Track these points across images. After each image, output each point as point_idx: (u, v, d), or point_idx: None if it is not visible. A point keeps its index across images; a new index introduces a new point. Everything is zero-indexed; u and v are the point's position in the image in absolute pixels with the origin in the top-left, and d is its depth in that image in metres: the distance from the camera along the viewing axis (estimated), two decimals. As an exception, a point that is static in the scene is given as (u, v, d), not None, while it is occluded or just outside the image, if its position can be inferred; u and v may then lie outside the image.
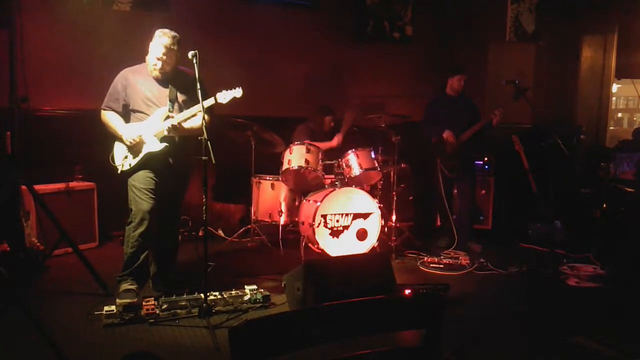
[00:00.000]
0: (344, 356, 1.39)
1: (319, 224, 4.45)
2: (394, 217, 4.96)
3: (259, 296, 3.53)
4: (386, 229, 5.00)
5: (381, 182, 5.11)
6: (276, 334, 1.27)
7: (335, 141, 5.30)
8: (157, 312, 3.26)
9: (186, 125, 3.49)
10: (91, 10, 5.04)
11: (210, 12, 5.68)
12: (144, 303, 3.29)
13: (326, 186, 4.80)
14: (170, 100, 3.52)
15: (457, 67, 5.18)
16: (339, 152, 4.99)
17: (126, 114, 3.59)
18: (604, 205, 5.22)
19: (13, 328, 3.02)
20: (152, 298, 3.36)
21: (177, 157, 3.60)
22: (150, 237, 3.56)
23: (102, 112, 3.58)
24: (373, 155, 4.82)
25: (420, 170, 5.68)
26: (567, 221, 5.40)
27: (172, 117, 3.47)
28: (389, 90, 6.45)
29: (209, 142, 3.15)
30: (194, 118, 3.47)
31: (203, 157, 3.15)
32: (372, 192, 4.93)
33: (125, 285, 3.50)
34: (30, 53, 4.62)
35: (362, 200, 4.62)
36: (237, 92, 3.45)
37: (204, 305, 3.24)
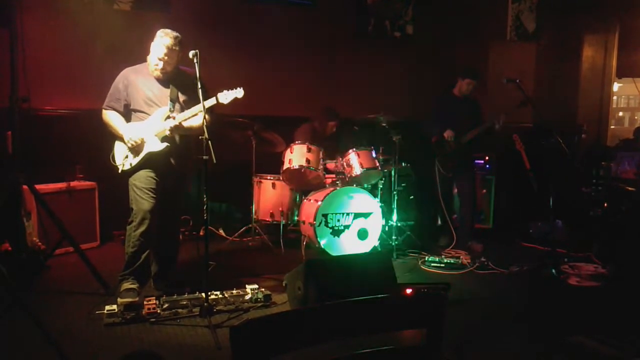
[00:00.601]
0: (345, 355, 1.39)
1: (320, 223, 4.45)
2: (394, 217, 4.96)
3: (260, 295, 3.53)
4: (387, 228, 5.00)
5: (382, 181, 5.11)
6: (277, 333, 1.28)
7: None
8: (159, 311, 3.26)
9: (186, 124, 3.49)
10: (92, 10, 5.04)
11: (211, 12, 5.68)
12: (145, 302, 3.29)
13: (327, 185, 4.80)
14: (171, 100, 3.52)
15: (471, 71, 5.15)
16: (340, 152, 4.99)
17: (127, 113, 3.58)
18: (605, 204, 5.22)
19: (15, 327, 3.03)
20: (154, 297, 3.37)
21: (178, 157, 3.61)
22: (152, 236, 3.56)
23: (104, 111, 3.58)
24: (374, 155, 4.82)
25: (421, 169, 5.67)
26: (568, 220, 5.40)
27: (173, 117, 3.47)
28: (390, 89, 6.45)
29: (209, 142, 3.16)
30: (195, 117, 3.46)
31: (204, 157, 3.15)
32: (373, 191, 4.92)
33: (126, 285, 3.50)
34: (31, 53, 4.63)
35: (363, 200, 4.62)
36: (239, 93, 3.45)
37: (205, 304, 3.24)
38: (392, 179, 4.99)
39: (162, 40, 3.42)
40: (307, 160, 4.64)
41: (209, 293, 3.34)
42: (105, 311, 3.22)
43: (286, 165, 4.71)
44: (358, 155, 4.73)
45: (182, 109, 3.53)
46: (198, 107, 3.37)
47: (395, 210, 4.96)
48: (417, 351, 1.48)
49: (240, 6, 5.87)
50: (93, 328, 3.13)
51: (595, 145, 6.79)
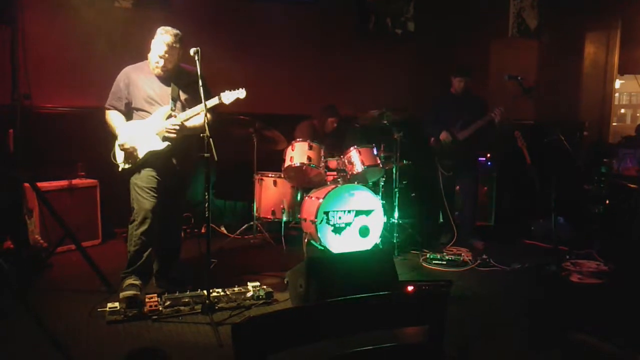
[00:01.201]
0: (347, 353, 1.39)
1: (322, 220, 4.45)
2: (396, 214, 4.96)
3: (261, 293, 3.54)
4: (388, 226, 5.00)
5: (383, 178, 5.11)
6: (279, 331, 1.28)
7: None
8: (160, 308, 3.27)
9: (188, 124, 3.48)
10: (93, 7, 5.03)
11: (212, 9, 5.68)
12: (147, 300, 3.30)
13: (328, 183, 4.80)
14: (172, 99, 3.52)
15: (460, 68, 5.15)
16: (341, 149, 4.99)
17: (129, 112, 3.58)
18: (607, 202, 5.21)
19: (17, 325, 3.04)
20: (155, 295, 3.37)
21: (180, 156, 3.60)
22: (153, 235, 3.57)
23: (106, 111, 3.58)
24: (375, 152, 4.82)
25: (422, 166, 5.67)
26: (570, 217, 5.39)
27: (175, 116, 3.47)
28: (391, 87, 6.44)
29: (211, 140, 3.16)
30: (196, 117, 3.46)
31: (205, 154, 3.15)
32: (374, 188, 4.92)
33: (129, 281, 3.51)
34: (32, 50, 4.63)
35: (364, 197, 4.62)
36: (241, 93, 3.45)
37: (207, 302, 3.25)
38: (394, 176, 4.99)
39: (162, 38, 3.41)
40: (309, 158, 4.63)
41: (211, 290, 3.35)
42: (107, 308, 3.23)
43: (287, 163, 4.71)
44: (359, 152, 4.73)
45: (184, 108, 3.53)
46: (200, 107, 3.36)
47: (396, 208, 4.96)
48: (418, 348, 1.48)
49: (241, 3, 5.86)
50: (95, 325, 3.14)
51: (597, 142, 6.78)
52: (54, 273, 4.11)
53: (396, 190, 4.97)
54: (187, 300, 3.36)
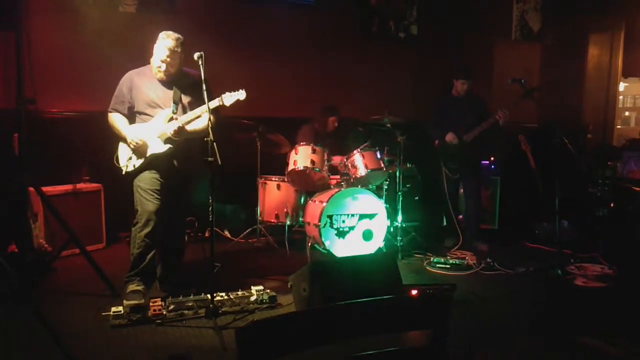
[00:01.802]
0: (351, 357, 1.39)
1: (325, 224, 4.45)
2: (399, 217, 4.95)
3: (265, 297, 3.54)
4: (392, 229, 5.00)
5: (387, 182, 5.11)
6: (282, 335, 1.28)
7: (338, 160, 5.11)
8: (164, 312, 3.27)
9: (190, 128, 3.49)
10: (97, 12, 5.06)
11: (215, 14, 5.70)
12: (151, 304, 3.30)
13: (332, 186, 4.80)
14: (174, 102, 3.53)
15: (462, 70, 5.14)
16: (344, 152, 4.99)
17: (131, 115, 3.60)
18: (612, 205, 5.19)
19: (22, 328, 3.04)
20: (159, 299, 3.37)
21: (182, 159, 3.61)
22: (157, 237, 3.57)
23: (109, 114, 3.60)
24: (379, 156, 4.82)
25: (425, 170, 5.67)
26: (574, 221, 5.37)
27: (176, 119, 3.48)
28: (395, 90, 6.44)
29: (214, 143, 3.16)
30: (197, 120, 3.48)
31: (209, 158, 3.16)
32: (377, 192, 4.92)
33: (132, 287, 3.51)
34: (37, 55, 4.67)
35: (367, 201, 4.62)
36: (241, 95, 3.47)
37: (211, 305, 3.25)
38: (397, 179, 4.98)
39: (164, 42, 3.43)
40: (312, 162, 4.64)
41: (215, 294, 3.35)
42: (111, 313, 3.23)
43: (291, 167, 4.72)
44: (363, 156, 4.73)
45: (185, 111, 3.54)
46: (201, 109, 3.39)
47: (400, 211, 4.95)
48: (422, 352, 1.47)
49: (243, 8, 5.88)
50: (99, 329, 3.14)
51: (601, 145, 6.76)
52: (58, 277, 4.12)
53: (399, 193, 4.96)
54: (191, 304, 3.36)
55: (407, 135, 4.92)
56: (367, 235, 4.60)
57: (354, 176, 4.75)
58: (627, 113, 7.16)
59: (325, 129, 5.37)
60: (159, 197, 3.53)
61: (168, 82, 3.55)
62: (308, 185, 4.96)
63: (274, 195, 5.04)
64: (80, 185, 4.85)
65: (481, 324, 3.39)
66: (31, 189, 4.07)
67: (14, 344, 2.95)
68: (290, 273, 3.63)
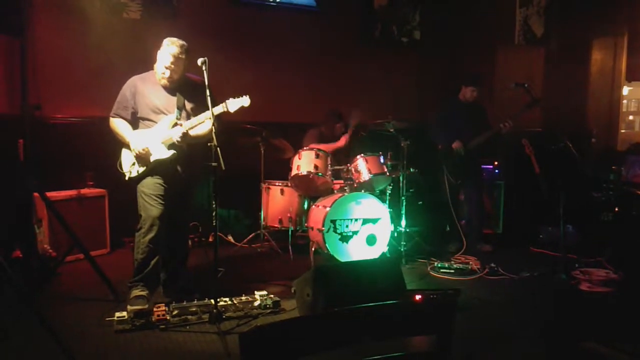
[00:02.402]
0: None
1: (329, 229, 4.45)
2: (403, 222, 4.94)
3: (269, 302, 3.53)
4: (395, 234, 4.99)
5: (390, 186, 5.11)
6: (286, 340, 1.28)
7: (343, 141, 5.29)
8: (168, 318, 3.27)
9: (193, 133, 3.51)
10: (102, 18, 5.10)
11: (218, 19, 5.73)
12: (154, 309, 3.30)
13: (335, 191, 4.80)
14: (177, 108, 3.54)
15: (473, 78, 5.16)
16: (348, 157, 5.00)
17: (134, 121, 3.61)
18: (616, 209, 5.17)
19: (26, 333, 3.05)
20: (163, 304, 3.38)
21: (185, 164, 3.62)
22: (160, 243, 3.58)
23: (111, 119, 3.61)
24: (382, 161, 4.82)
25: (429, 174, 5.66)
26: (578, 225, 5.35)
27: (181, 124, 3.50)
28: (398, 94, 6.45)
29: (218, 149, 3.17)
30: (201, 125, 3.49)
31: (213, 164, 3.17)
32: (381, 197, 4.92)
33: (136, 292, 3.52)
34: (42, 62, 4.70)
35: (371, 205, 4.62)
36: (245, 101, 3.48)
37: (215, 311, 3.24)
38: (401, 184, 4.98)
39: (169, 49, 3.44)
40: (315, 167, 4.64)
41: (218, 299, 3.35)
42: (115, 318, 3.23)
43: (294, 172, 4.72)
44: (366, 161, 4.73)
45: (189, 117, 3.55)
46: (205, 115, 3.40)
47: (403, 216, 4.94)
48: (426, 358, 1.47)
49: (247, 13, 5.91)
50: (103, 334, 3.14)
51: (605, 149, 6.74)
52: (62, 282, 4.13)
53: (403, 198, 4.96)
54: (194, 309, 3.36)
55: (410, 139, 4.92)
56: (371, 240, 4.60)
57: (357, 181, 4.75)
58: (631, 117, 7.14)
59: (332, 134, 5.38)
60: (162, 202, 3.54)
61: (171, 88, 3.56)
62: (311, 190, 4.96)
63: (277, 200, 5.04)
64: (84, 191, 4.87)
65: (485, 329, 3.37)
66: (36, 194, 4.09)
67: (17, 348, 2.95)
68: (293, 278, 3.63)
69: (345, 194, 4.61)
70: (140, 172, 3.54)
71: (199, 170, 3.74)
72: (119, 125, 3.58)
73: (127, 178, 3.59)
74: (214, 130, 3.22)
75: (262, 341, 1.24)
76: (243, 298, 3.57)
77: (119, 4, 5.23)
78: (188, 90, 3.60)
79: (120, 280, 3.82)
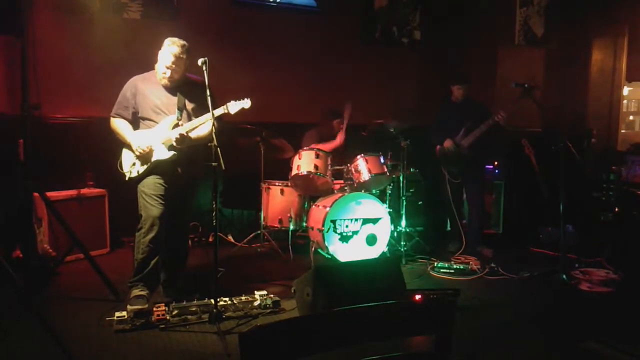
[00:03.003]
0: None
1: (329, 229, 4.45)
2: (403, 222, 4.95)
3: (268, 302, 3.54)
4: (395, 234, 4.99)
5: (390, 186, 5.11)
6: (286, 340, 1.28)
7: (339, 139, 5.29)
8: (168, 317, 3.28)
9: (193, 135, 3.51)
10: (102, 18, 5.10)
11: (219, 20, 5.73)
12: (154, 309, 3.30)
13: (335, 191, 4.80)
14: (178, 109, 3.55)
15: (458, 76, 5.21)
16: (347, 157, 5.00)
17: (135, 121, 3.61)
18: (616, 209, 5.17)
19: (26, 333, 3.05)
20: (163, 304, 3.38)
21: (186, 164, 3.62)
22: (161, 242, 3.58)
23: (112, 119, 3.61)
24: (382, 161, 4.82)
25: (429, 174, 5.66)
26: (578, 225, 5.35)
27: (181, 125, 3.50)
28: (398, 95, 6.45)
29: (218, 149, 3.18)
30: (201, 127, 3.49)
31: (213, 163, 3.17)
32: (381, 197, 4.92)
33: (136, 291, 3.52)
34: (42, 61, 4.68)
35: (371, 206, 4.62)
36: (246, 103, 3.49)
37: (214, 310, 3.25)
38: (401, 184, 4.98)
39: (170, 49, 3.44)
40: (316, 167, 4.64)
41: (218, 299, 3.35)
42: (115, 318, 3.24)
43: (294, 172, 4.72)
44: (366, 161, 4.73)
45: (190, 117, 3.56)
46: (206, 117, 3.40)
47: (403, 216, 4.95)
48: (426, 357, 1.47)
49: (247, 14, 5.91)
50: (103, 334, 3.14)
51: (605, 149, 6.73)
52: (62, 282, 4.13)
53: (403, 198, 4.96)
54: (194, 309, 3.36)
55: (410, 140, 4.92)
56: (371, 240, 4.60)
57: (357, 181, 4.75)
58: (631, 117, 7.13)
59: (332, 132, 5.38)
60: (163, 202, 3.54)
61: (172, 88, 3.57)
62: (311, 190, 4.96)
63: (277, 200, 5.04)
64: (84, 191, 4.87)
65: (485, 329, 3.37)
66: (36, 194, 4.09)
67: (17, 348, 2.95)
68: (293, 278, 3.64)
69: (346, 194, 4.61)
70: (140, 172, 3.54)
71: (200, 171, 3.75)
72: (119, 125, 3.58)
73: (127, 178, 3.59)
74: (214, 130, 3.22)
75: (261, 341, 1.24)
76: (243, 298, 3.58)
77: (119, 4, 5.23)
78: (189, 90, 3.60)
79: (120, 280, 3.82)
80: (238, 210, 5.87)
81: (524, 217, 5.85)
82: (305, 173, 4.66)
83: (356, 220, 4.57)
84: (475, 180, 5.27)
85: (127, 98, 3.57)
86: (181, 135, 3.44)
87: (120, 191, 4.12)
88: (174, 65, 3.46)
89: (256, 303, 3.54)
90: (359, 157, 4.78)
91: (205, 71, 3.27)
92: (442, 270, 4.53)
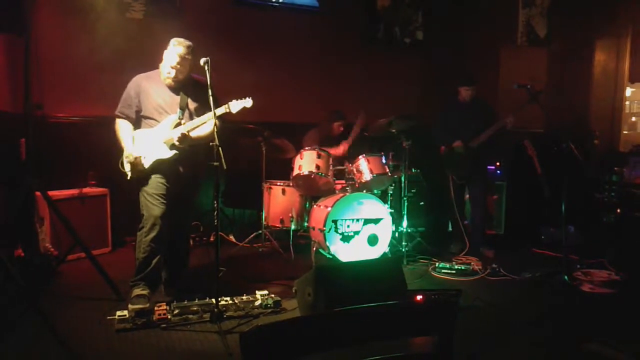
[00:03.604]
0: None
1: (330, 229, 4.45)
2: (404, 222, 4.94)
3: (270, 301, 3.53)
4: (397, 234, 4.98)
5: (392, 187, 5.10)
6: (287, 340, 1.28)
7: (342, 149, 5.26)
8: (169, 317, 3.28)
9: (194, 134, 3.51)
10: (105, 17, 5.10)
11: (221, 19, 5.74)
12: (156, 308, 3.31)
13: (337, 191, 4.80)
14: (180, 108, 3.55)
15: (466, 77, 5.18)
16: (349, 157, 5.00)
17: (138, 119, 3.62)
18: (618, 210, 5.17)
19: (28, 331, 3.06)
20: (164, 303, 3.38)
21: (187, 164, 3.63)
22: (162, 242, 3.58)
23: (116, 119, 3.62)
24: (384, 161, 4.82)
25: (431, 175, 5.66)
26: (580, 226, 5.34)
27: (183, 124, 3.50)
28: (400, 95, 6.45)
29: (220, 148, 3.18)
30: (202, 127, 3.50)
31: (215, 163, 3.17)
32: (383, 197, 4.92)
33: (137, 291, 3.52)
34: (44, 60, 4.70)
35: (373, 206, 4.61)
36: (247, 102, 3.49)
37: (216, 310, 3.25)
38: (402, 184, 4.98)
39: (175, 49, 3.45)
40: (317, 167, 4.64)
41: (220, 299, 3.35)
42: (116, 317, 3.24)
43: (296, 172, 4.72)
44: (368, 161, 4.73)
45: (192, 117, 3.56)
46: (207, 116, 3.40)
47: (405, 216, 4.94)
48: (427, 358, 1.47)
49: (250, 14, 5.92)
50: (104, 333, 3.14)
51: (608, 150, 6.72)
52: (64, 281, 4.14)
53: (405, 198, 4.96)
54: (195, 308, 3.36)
55: (412, 140, 4.91)
56: (372, 240, 4.59)
57: (359, 181, 4.75)
58: (633, 118, 7.12)
59: (331, 133, 5.38)
60: (164, 201, 3.54)
61: (176, 87, 3.57)
62: (313, 190, 4.96)
63: (279, 200, 5.04)
64: (86, 190, 4.88)
65: (487, 330, 3.37)
66: (38, 193, 4.10)
67: (18, 347, 2.96)
68: (294, 278, 3.64)
69: (347, 194, 4.61)
70: (141, 172, 3.54)
71: (201, 170, 3.75)
72: (121, 127, 3.59)
73: (128, 177, 3.59)
74: (215, 129, 3.22)
75: (262, 341, 1.24)
76: (244, 297, 3.58)
77: (122, 3, 5.24)
78: (192, 90, 3.61)
79: (121, 279, 3.82)
80: (239, 210, 5.88)
81: (525, 217, 5.84)
82: (306, 173, 4.66)
83: (358, 220, 4.57)
84: (479, 182, 5.26)
85: (131, 96, 3.58)
86: (182, 134, 3.44)
87: (122, 190, 4.13)
88: (179, 66, 3.47)
89: (257, 303, 3.54)
90: (360, 157, 4.78)
91: (207, 71, 3.27)
92: (443, 270, 4.53)
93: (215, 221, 3.29)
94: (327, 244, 4.43)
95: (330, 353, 1.29)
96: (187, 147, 3.55)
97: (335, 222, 4.48)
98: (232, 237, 5.48)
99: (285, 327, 1.30)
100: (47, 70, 4.82)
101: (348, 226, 4.54)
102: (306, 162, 4.69)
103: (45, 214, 4.43)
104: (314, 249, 4.64)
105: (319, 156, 4.69)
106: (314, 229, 4.63)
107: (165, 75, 3.51)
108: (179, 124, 3.52)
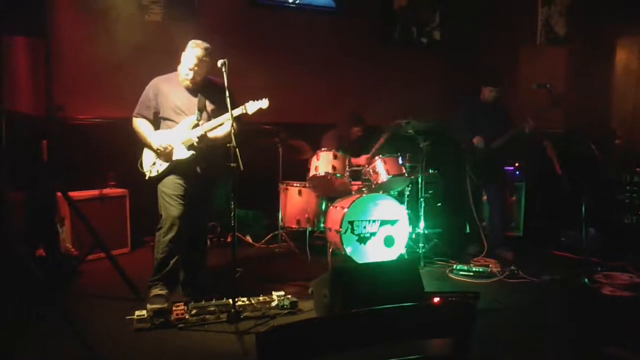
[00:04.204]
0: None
1: (346, 230, 4.44)
2: (421, 224, 4.91)
3: (286, 302, 3.54)
4: (414, 236, 4.96)
5: (409, 188, 5.07)
6: (303, 340, 1.28)
7: (363, 160, 5.12)
8: (187, 317, 3.30)
9: (211, 135, 3.54)
10: (124, 20, 5.17)
11: (239, 21, 5.77)
12: (173, 308, 3.33)
13: (353, 192, 4.79)
14: (198, 109, 3.58)
15: (491, 78, 5.08)
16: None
17: (156, 121, 3.66)
18: (640, 212, 5.07)
19: (49, 330, 3.11)
20: (182, 303, 3.41)
21: (204, 165, 3.65)
22: (180, 242, 3.61)
23: (134, 119, 3.67)
24: (400, 162, 4.80)
25: (448, 176, 5.61)
26: (601, 228, 5.25)
27: (200, 126, 3.53)
28: (417, 96, 6.41)
29: (237, 149, 3.20)
30: (220, 127, 3.53)
31: (232, 164, 3.19)
32: (399, 198, 4.89)
33: (155, 291, 3.55)
34: (65, 63, 4.78)
35: (389, 207, 4.60)
36: (263, 103, 3.51)
37: (233, 310, 3.27)
38: (419, 185, 4.95)
39: (193, 51, 3.48)
40: (333, 168, 4.64)
41: (236, 299, 3.37)
42: (135, 316, 3.27)
43: (312, 172, 4.73)
44: (384, 162, 4.71)
45: (210, 118, 3.59)
46: (225, 117, 3.44)
47: (422, 218, 4.91)
48: (444, 361, 1.46)
49: (266, 15, 5.94)
50: (123, 333, 3.18)
51: (629, 150, 6.60)
52: (84, 281, 4.19)
53: (422, 199, 4.92)
54: (213, 308, 3.38)
55: (430, 141, 4.88)
56: (389, 242, 4.58)
57: (375, 182, 4.73)
58: (656, 118, 6.98)
59: (349, 137, 5.36)
60: (182, 202, 3.57)
61: (194, 89, 3.60)
62: (329, 191, 4.96)
63: (295, 200, 5.05)
64: (106, 191, 4.94)
65: (505, 333, 3.33)
66: (59, 194, 4.16)
67: (41, 346, 3.01)
68: (311, 279, 3.64)
69: (363, 195, 4.60)
70: (160, 171, 3.59)
71: (219, 171, 3.77)
72: (140, 125, 3.63)
73: (147, 177, 3.63)
74: (233, 131, 3.24)
75: (279, 341, 1.24)
76: (261, 298, 3.59)
77: (141, 6, 5.31)
78: (209, 92, 3.63)
79: (140, 279, 3.86)
80: (256, 211, 5.90)
81: (545, 219, 5.76)
82: (323, 174, 4.66)
83: (374, 221, 4.56)
84: (497, 183, 5.20)
85: (150, 98, 3.62)
86: (202, 134, 3.47)
87: (141, 191, 4.16)
88: (196, 68, 3.50)
89: (274, 303, 3.55)
90: (377, 158, 4.76)
91: (224, 72, 3.30)
92: (461, 272, 4.48)
93: (232, 222, 3.31)
94: (344, 245, 4.42)
95: (346, 354, 1.29)
96: (205, 148, 3.58)
97: (351, 223, 4.47)
98: (248, 238, 5.51)
99: (302, 328, 1.30)
100: (68, 73, 4.90)
101: (364, 227, 4.53)
102: (322, 163, 4.69)
103: (66, 215, 4.50)
104: (330, 250, 4.64)
105: (335, 157, 4.69)
106: (330, 230, 4.63)
107: (183, 77, 3.55)
108: (196, 125, 3.55)
